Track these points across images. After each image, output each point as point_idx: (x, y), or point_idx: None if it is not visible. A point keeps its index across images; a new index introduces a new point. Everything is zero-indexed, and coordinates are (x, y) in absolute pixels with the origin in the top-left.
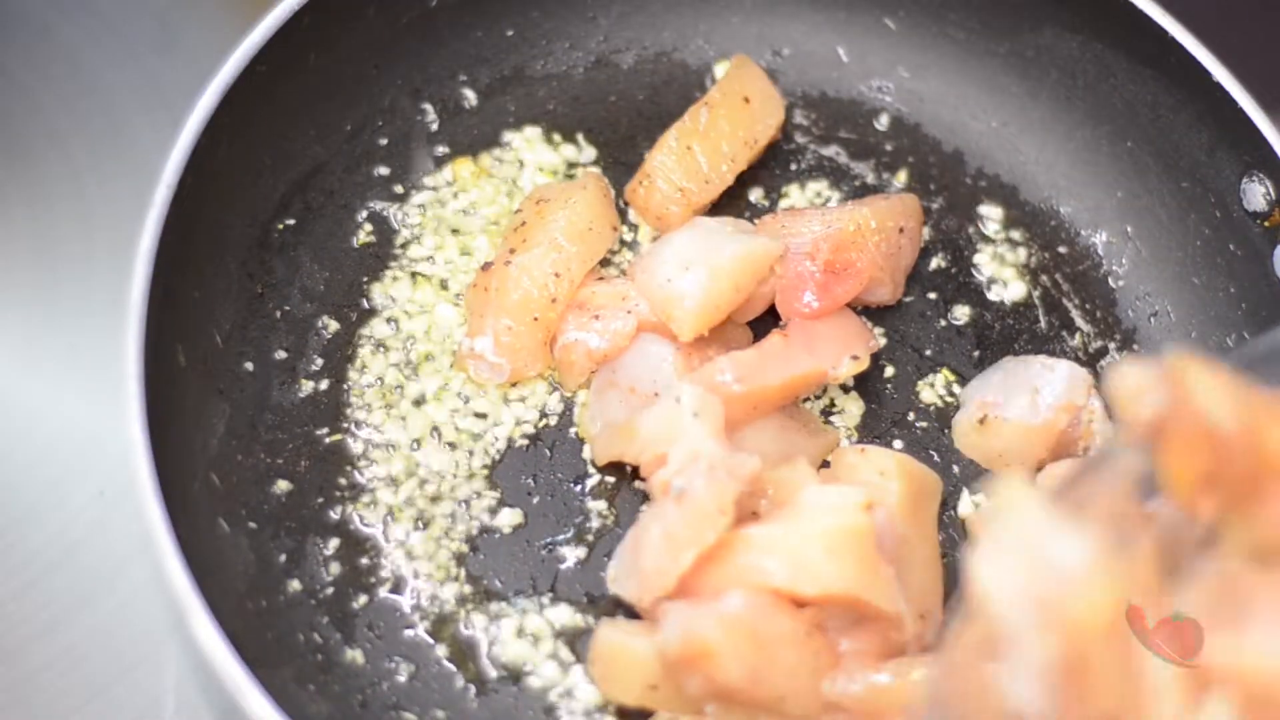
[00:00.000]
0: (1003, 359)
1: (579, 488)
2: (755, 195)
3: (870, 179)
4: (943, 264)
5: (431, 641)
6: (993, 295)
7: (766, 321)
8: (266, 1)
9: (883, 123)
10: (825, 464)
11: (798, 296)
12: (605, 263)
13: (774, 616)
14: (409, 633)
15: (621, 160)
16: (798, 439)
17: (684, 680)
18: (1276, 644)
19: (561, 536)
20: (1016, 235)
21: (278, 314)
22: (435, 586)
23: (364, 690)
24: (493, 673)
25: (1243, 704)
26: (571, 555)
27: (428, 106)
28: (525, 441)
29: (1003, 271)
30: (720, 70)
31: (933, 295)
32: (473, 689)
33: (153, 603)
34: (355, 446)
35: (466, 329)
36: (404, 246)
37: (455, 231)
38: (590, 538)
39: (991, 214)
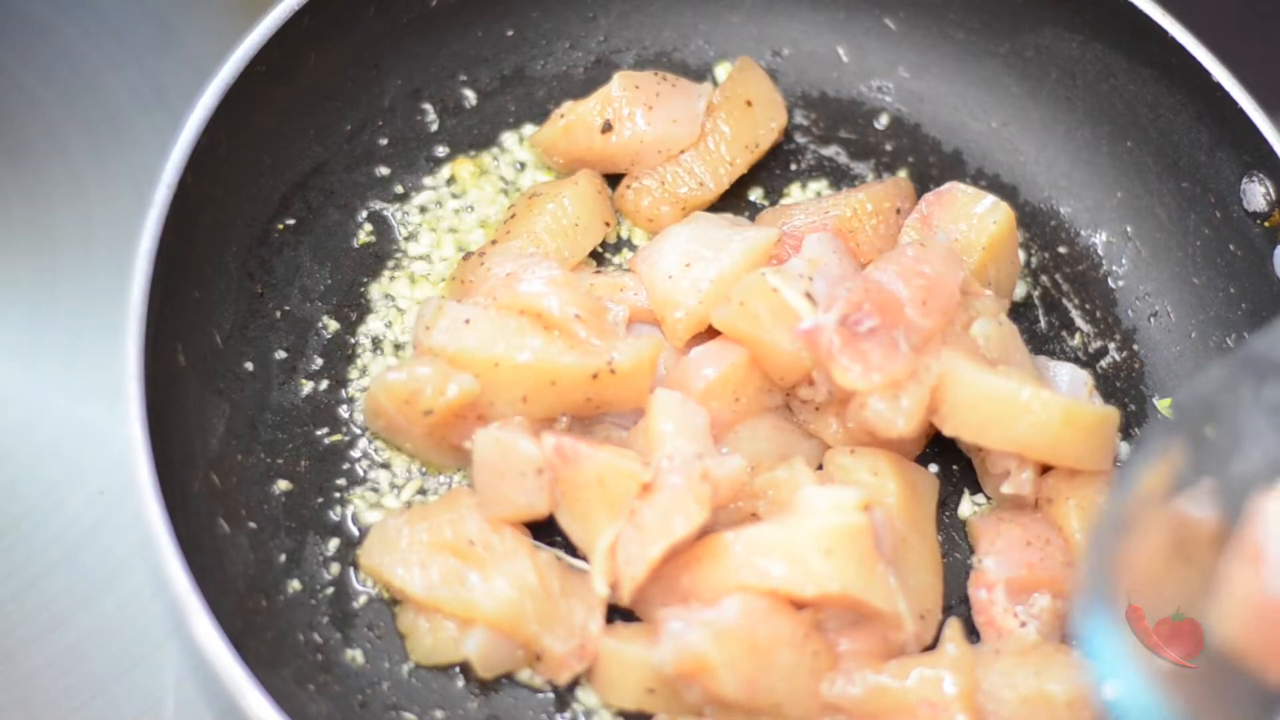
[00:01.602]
0: None
1: None
2: (755, 195)
3: (870, 178)
4: None
5: None
6: None
7: None
8: (266, 1)
9: (883, 123)
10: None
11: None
12: (603, 261)
13: (771, 619)
14: None
15: None
16: (793, 439)
17: (682, 690)
18: None
19: (560, 538)
20: (1017, 235)
21: (278, 314)
22: None
23: (364, 690)
24: (492, 673)
25: None
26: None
27: (428, 106)
28: None
29: None
30: (720, 71)
31: None
32: (473, 689)
33: (153, 603)
34: (355, 446)
35: None
36: (402, 246)
37: (452, 230)
38: None
39: None
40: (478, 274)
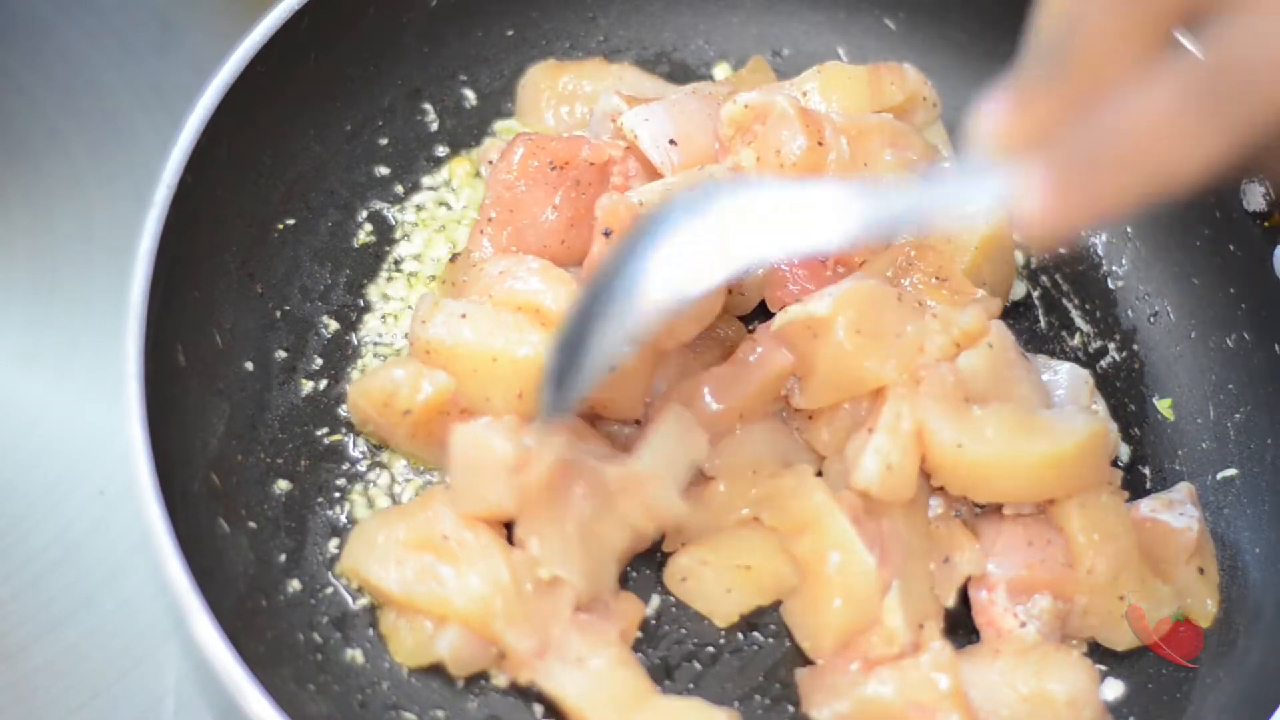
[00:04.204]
0: None
1: None
2: None
3: None
4: None
5: None
6: None
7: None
8: (266, 1)
9: None
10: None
11: (784, 286)
12: None
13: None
14: None
15: None
16: (791, 443)
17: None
18: None
19: None
20: (1016, 235)
21: (278, 314)
22: None
23: (364, 690)
24: (465, 672)
25: None
26: None
27: (428, 106)
28: None
29: None
30: (719, 71)
31: None
32: (473, 689)
33: (153, 603)
34: (355, 446)
35: None
36: (400, 246)
37: (442, 229)
38: None
39: None
40: (470, 274)
